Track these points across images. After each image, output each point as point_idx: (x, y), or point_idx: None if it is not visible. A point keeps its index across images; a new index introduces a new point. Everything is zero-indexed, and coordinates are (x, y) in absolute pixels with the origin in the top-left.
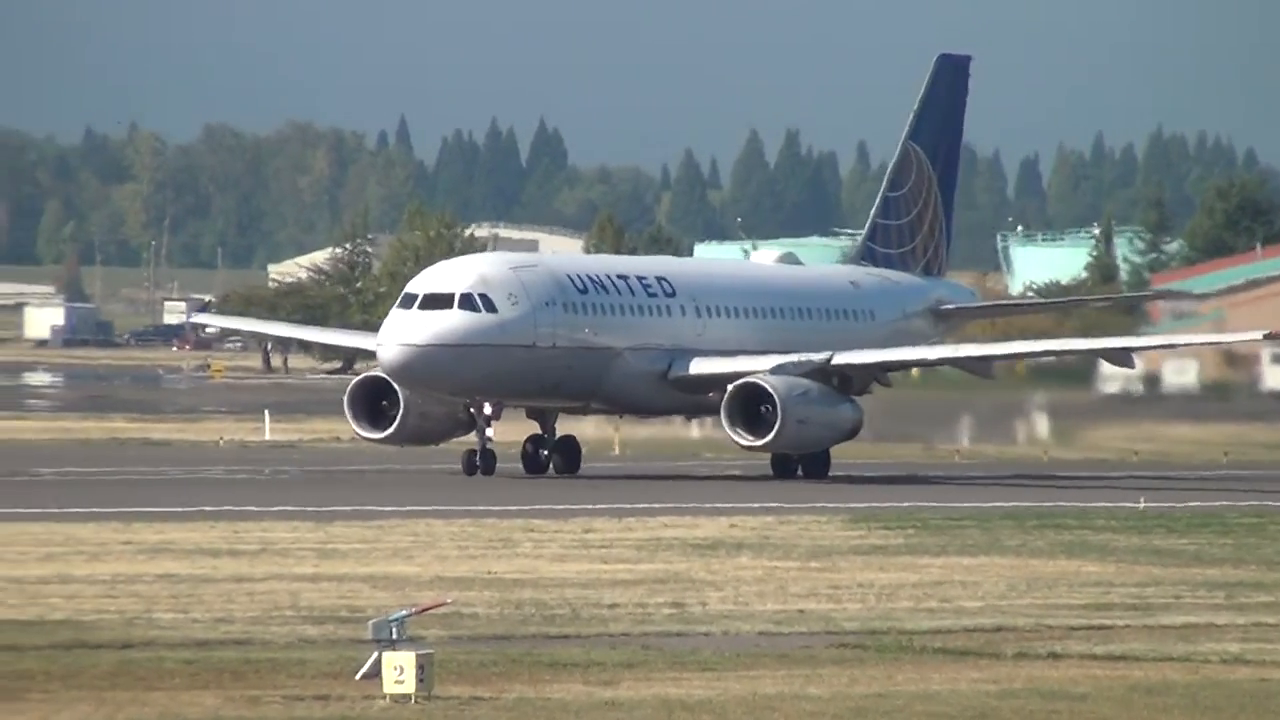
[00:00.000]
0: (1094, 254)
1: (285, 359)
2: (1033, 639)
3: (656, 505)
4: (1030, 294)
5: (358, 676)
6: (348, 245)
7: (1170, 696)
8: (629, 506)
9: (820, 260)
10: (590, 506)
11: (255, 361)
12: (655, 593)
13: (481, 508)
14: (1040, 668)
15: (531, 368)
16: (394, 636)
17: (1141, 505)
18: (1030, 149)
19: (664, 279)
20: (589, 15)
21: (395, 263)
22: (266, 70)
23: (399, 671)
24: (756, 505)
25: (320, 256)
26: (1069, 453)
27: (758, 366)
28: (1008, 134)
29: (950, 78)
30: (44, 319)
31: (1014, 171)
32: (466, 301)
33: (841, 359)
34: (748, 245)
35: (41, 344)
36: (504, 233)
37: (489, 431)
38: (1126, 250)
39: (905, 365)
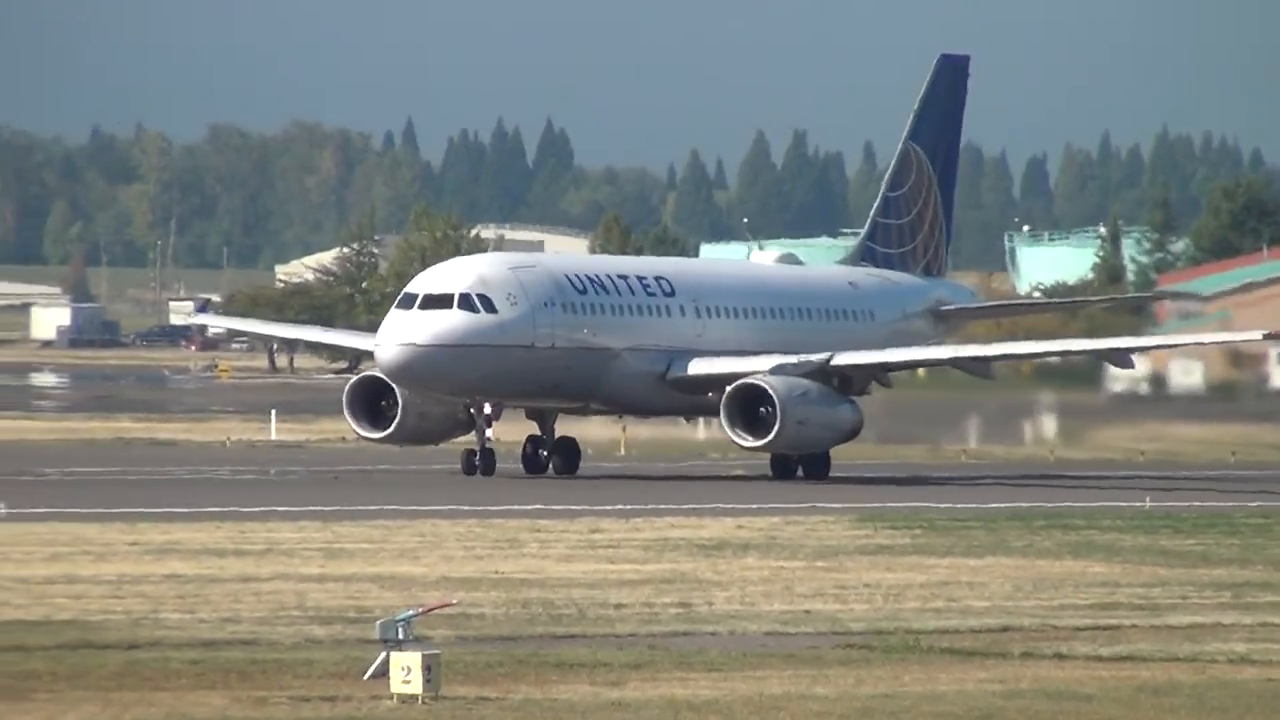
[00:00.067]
0: (1100, 254)
1: (291, 359)
2: (1039, 639)
3: (663, 506)
4: (1037, 294)
5: (365, 677)
6: (354, 246)
7: (1177, 697)
8: (635, 507)
9: (829, 261)
10: (597, 507)
11: (262, 361)
12: (662, 593)
13: (486, 508)
14: (1046, 668)
15: (530, 368)
16: (401, 637)
17: (1147, 505)
18: (1036, 149)
19: (663, 279)
20: (595, 16)
21: (402, 263)
22: (272, 71)
23: (406, 672)
24: (762, 506)
25: (327, 257)
26: (1076, 453)
27: (757, 367)
28: (1014, 134)
29: (950, 78)
30: (50, 319)
31: (1020, 171)
32: (465, 302)
33: (841, 359)
34: (754, 246)
35: (47, 344)
36: (510, 233)
37: (488, 432)
38: (1134, 250)
39: (905, 366)
